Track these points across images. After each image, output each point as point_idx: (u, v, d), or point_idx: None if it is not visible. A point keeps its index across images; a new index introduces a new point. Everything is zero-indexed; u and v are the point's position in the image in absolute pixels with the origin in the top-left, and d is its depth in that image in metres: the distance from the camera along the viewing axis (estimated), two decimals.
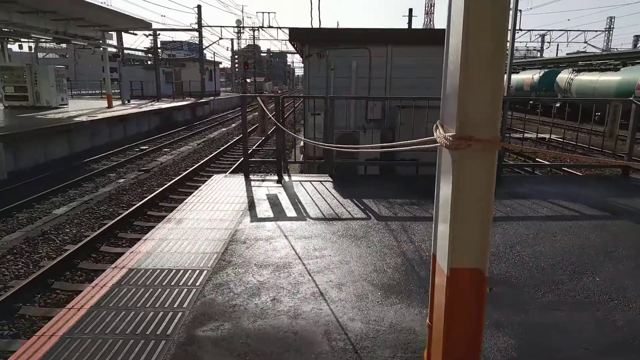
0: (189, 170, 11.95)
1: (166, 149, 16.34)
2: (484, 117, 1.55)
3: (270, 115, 5.85)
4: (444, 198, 1.71)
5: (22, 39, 18.89)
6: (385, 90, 9.54)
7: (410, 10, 31.56)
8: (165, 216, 8.38)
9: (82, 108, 19.56)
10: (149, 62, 49.30)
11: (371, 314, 2.76)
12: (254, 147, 16.46)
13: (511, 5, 6.82)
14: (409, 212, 4.83)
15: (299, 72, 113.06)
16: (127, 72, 26.56)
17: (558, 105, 27.65)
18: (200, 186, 9.95)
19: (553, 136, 17.76)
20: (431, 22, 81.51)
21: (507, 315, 2.75)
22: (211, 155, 14.36)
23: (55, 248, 6.80)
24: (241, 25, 38.60)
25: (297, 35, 9.42)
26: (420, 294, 3.02)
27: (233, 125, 25.32)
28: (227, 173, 11.42)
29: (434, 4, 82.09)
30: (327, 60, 9.27)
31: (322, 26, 10.12)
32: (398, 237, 4.06)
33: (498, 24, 1.48)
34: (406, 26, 30.52)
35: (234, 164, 13.36)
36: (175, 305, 2.85)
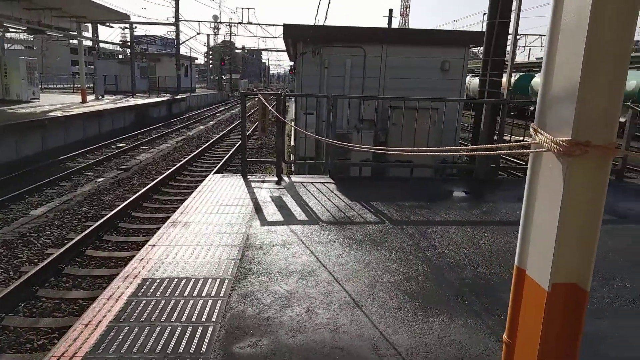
0: (171, 170, 11.55)
1: (144, 147, 15.81)
2: (602, 120, 1.41)
3: (277, 114, 5.63)
4: (545, 207, 1.57)
5: None
6: (378, 90, 9.44)
7: (391, 10, 31.78)
8: (152, 217, 8.11)
9: (55, 103, 18.72)
10: (120, 56, 47.92)
11: (414, 325, 2.61)
12: (235, 147, 16.10)
13: (514, 7, 6.82)
14: (421, 216, 4.71)
15: (274, 70, 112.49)
16: (102, 66, 25.64)
17: (532, 108, 28.29)
18: (188, 186, 9.59)
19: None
20: (406, 24, 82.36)
21: None
22: (193, 154, 13.95)
23: (36, 252, 6.38)
24: (219, 21, 37.89)
25: (292, 32, 9.20)
26: (458, 303, 2.89)
27: (211, 123, 24.81)
28: (212, 172, 11.08)
29: (409, 5, 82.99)
30: (321, 58, 9.10)
31: (311, 24, 9.96)
32: (418, 243, 3.93)
33: (626, 15, 1.35)
34: (386, 26, 30.65)
35: (218, 164, 13.03)
36: (203, 319, 2.62)
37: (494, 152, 1.90)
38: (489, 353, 2.35)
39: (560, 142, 1.45)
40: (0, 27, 16.82)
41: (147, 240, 6.75)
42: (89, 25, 21.21)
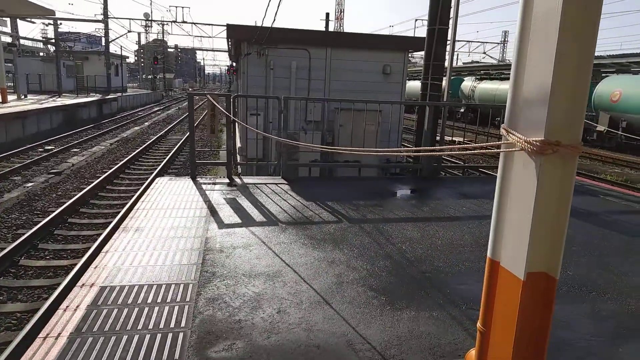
0: (107, 173, 10.98)
1: (75, 149, 14.89)
2: (570, 121, 1.56)
3: (229, 114, 5.54)
4: (518, 202, 1.69)
5: None
6: (324, 92, 9.57)
7: (327, 14, 32.22)
8: (91, 223, 7.69)
9: None
10: (42, 54, 44.67)
11: (384, 319, 2.70)
12: (176, 148, 15.59)
13: (452, 14, 7.19)
14: (376, 214, 4.85)
15: (210, 70, 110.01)
16: (23, 63, 23.73)
17: (462, 110, 29.89)
18: (127, 189, 9.22)
19: (462, 139, 19.18)
20: (341, 27, 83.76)
21: None
22: (129, 157, 13.34)
23: None
24: (151, 19, 36.43)
25: (235, 33, 9.09)
26: (422, 297, 3.02)
27: (147, 123, 23.84)
28: (152, 175, 10.67)
29: (343, 10, 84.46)
30: (266, 60, 9.07)
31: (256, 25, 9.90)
32: (377, 240, 4.04)
33: (590, 22, 1.49)
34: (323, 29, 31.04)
35: (157, 166, 12.56)
36: (172, 325, 2.54)
37: (466, 152, 2.01)
38: (457, 342, 2.48)
39: (533, 142, 1.58)
40: None
41: (88, 247, 6.44)
42: (7, 19, 19.56)
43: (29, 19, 19.65)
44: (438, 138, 7.41)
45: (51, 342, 2.33)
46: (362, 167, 8.02)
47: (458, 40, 38.88)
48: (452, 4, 7.37)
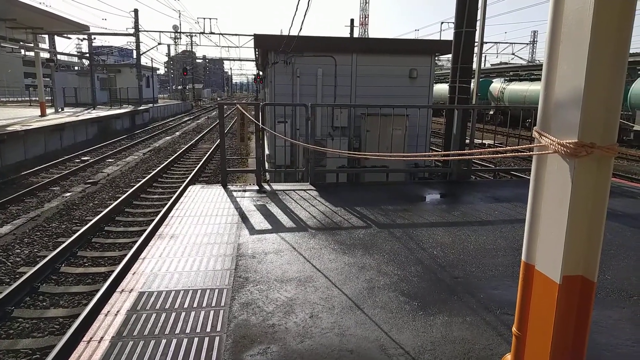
0: (141, 182, 11.31)
1: (110, 160, 15.40)
2: (604, 123, 1.54)
3: (258, 123, 5.65)
4: (553, 205, 1.68)
5: None
6: (350, 98, 9.60)
7: (352, 20, 32.26)
8: (126, 231, 7.92)
9: (12, 116, 17.98)
10: (76, 68, 46.41)
11: (417, 325, 2.69)
12: (206, 157, 15.90)
13: (479, 17, 7.12)
14: (405, 219, 4.83)
15: (237, 79, 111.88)
16: (60, 78, 24.75)
17: (492, 112, 29.36)
18: (161, 198, 9.46)
19: (491, 142, 18.85)
20: (366, 33, 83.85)
21: None
22: (162, 166, 13.69)
23: (7, 271, 6.12)
24: (179, 31, 37.37)
25: (262, 42, 9.25)
26: (455, 302, 3.00)
27: (177, 133, 24.41)
28: (184, 183, 10.93)
29: (367, 15, 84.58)
30: (293, 68, 9.18)
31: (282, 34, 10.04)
32: (407, 245, 4.03)
33: (624, 19, 1.47)
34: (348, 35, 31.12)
35: (189, 175, 12.85)
36: (208, 329, 2.61)
37: (501, 155, 2.01)
38: (492, 347, 2.46)
39: (567, 144, 1.57)
40: None
41: (124, 255, 6.64)
42: (46, 36, 20.49)
43: (65, 35, 20.51)
44: (467, 141, 7.33)
45: (95, 346, 2.43)
46: (390, 172, 7.99)
47: (486, 42, 38.35)
48: (479, 5, 7.30)
